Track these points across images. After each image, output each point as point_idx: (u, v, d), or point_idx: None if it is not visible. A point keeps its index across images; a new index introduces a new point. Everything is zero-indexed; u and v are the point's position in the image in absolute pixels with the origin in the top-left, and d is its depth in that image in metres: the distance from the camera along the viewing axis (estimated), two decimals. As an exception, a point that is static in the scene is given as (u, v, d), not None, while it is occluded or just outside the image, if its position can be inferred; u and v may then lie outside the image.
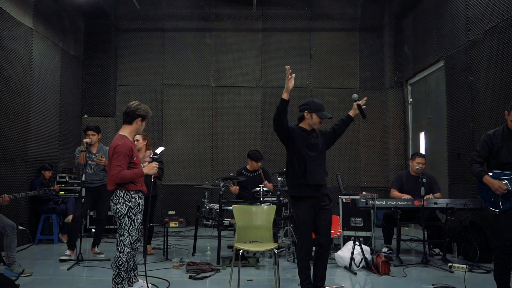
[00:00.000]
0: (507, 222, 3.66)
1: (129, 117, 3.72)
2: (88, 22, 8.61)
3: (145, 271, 3.74)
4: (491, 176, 3.79)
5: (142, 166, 3.80)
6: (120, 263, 3.55)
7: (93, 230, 6.33)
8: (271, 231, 4.32)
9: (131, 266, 3.71)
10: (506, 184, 3.68)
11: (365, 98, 3.99)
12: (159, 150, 4.04)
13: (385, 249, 5.72)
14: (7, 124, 5.88)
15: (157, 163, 3.81)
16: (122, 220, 3.58)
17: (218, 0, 8.89)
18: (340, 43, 8.95)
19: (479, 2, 5.77)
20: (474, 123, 5.87)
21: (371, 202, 5.29)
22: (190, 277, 4.50)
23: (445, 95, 6.77)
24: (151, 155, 3.93)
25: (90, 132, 5.46)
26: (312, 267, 3.78)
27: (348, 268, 4.86)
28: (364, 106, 3.93)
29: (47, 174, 6.54)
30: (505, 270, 3.69)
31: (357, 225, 5.76)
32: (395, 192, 5.81)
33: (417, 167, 5.64)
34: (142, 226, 3.84)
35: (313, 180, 3.71)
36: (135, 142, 5.44)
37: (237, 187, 6.08)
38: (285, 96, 3.54)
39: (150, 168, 3.76)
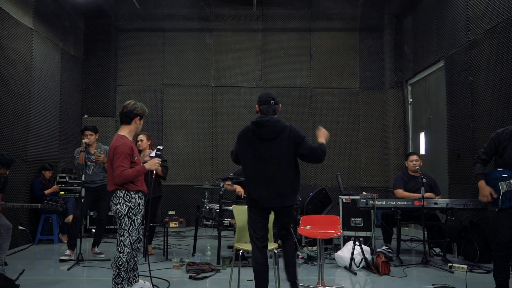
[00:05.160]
0: (506, 221, 3.66)
1: (127, 117, 3.71)
2: (88, 22, 8.61)
3: (149, 271, 3.75)
4: (499, 171, 3.76)
5: None
6: (120, 263, 3.55)
7: (93, 230, 6.34)
8: (271, 231, 4.32)
9: (132, 266, 3.72)
10: (508, 183, 3.65)
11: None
12: (160, 147, 4.03)
13: (384, 247, 5.71)
14: (7, 124, 5.88)
15: (159, 159, 3.81)
16: (122, 220, 3.58)
17: (218, 0, 8.89)
18: (340, 43, 8.95)
19: (479, 2, 5.77)
20: (474, 123, 5.87)
21: (371, 202, 5.30)
22: (190, 277, 4.51)
23: (445, 95, 6.76)
24: (151, 154, 3.93)
25: (87, 132, 5.43)
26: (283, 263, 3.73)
27: (348, 268, 4.86)
28: None
29: (47, 174, 6.55)
30: (503, 268, 3.68)
31: (357, 225, 5.76)
32: (403, 192, 5.67)
33: (416, 167, 5.66)
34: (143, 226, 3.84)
35: None
36: (139, 142, 5.44)
37: (241, 190, 6.03)
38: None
39: (152, 164, 3.75)
